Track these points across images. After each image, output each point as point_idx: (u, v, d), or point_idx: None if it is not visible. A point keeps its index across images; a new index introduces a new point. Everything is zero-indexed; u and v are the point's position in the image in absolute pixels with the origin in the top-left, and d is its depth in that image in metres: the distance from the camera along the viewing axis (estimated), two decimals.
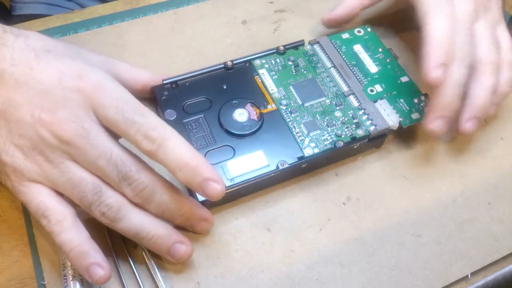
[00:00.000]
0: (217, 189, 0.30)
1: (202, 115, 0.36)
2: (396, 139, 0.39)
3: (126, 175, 0.30)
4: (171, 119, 0.36)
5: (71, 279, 0.30)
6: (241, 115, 0.36)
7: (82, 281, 0.30)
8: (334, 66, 0.40)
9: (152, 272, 0.32)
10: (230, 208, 0.35)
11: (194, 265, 0.32)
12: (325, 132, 0.36)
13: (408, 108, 0.38)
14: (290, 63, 0.40)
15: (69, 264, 0.30)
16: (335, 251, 0.33)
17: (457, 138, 0.39)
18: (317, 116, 0.37)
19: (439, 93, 0.35)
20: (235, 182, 0.33)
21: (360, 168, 0.37)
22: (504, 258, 0.34)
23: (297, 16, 0.46)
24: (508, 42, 0.38)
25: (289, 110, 0.37)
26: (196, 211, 0.32)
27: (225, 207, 0.35)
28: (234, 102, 0.37)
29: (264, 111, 0.37)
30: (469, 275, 0.33)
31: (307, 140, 0.36)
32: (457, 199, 0.36)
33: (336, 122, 0.37)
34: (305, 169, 0.36)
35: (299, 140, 0.35)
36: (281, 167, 0.34)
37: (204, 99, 0.37)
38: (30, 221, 0.33)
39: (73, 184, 0.30)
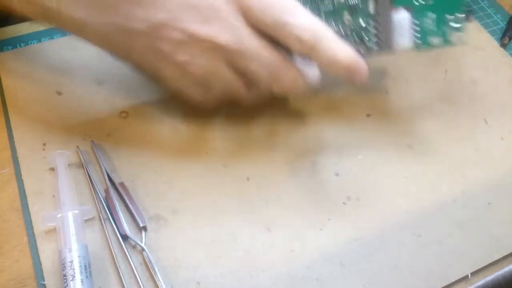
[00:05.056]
0: (365, 76, 0.32)
1: None
2: (396, 138, 0.39)
3: (277, 75, 0.32)
4: None
5: (71, 279, 0.30)
6: None
7: (83, 281, 0.30)
8: None
9: (152, 272, 0.32)
10: (230, 207, 0.35)
11: (194, 265, 0.32)
12: None
13: (434, 28, 0.31)
14: None
15: (69, 264, 0.30)
16: (335, 251, 0.33)
17: (458, 138, 0.39)
18: (323, 14, 0.33)
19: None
20: None
21: (360, 168, 0.37)
22: (504, 258, 0.34)
23: None
24: None
25: None
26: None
27: (225, 206, 0.35)
28: None
29: None
30: (469, 275, 0.33)
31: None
32: (457, 199, 0.36)
33: (340, 28, 0.33)
34: None
35: None
36: None
37: None
38: (30, 221, 0.33)
39: (225, 84, 0.34)
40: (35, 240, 0.33)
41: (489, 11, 0.48)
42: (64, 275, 0.30)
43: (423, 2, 0.31)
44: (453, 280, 0.33)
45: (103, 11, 0.30)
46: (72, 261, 0.30)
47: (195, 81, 0.33)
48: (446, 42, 0.32)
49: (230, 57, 0.31)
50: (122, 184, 0.35)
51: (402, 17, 0.32)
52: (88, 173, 0.35)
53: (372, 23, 0.32)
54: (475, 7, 0.48)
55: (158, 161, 0.36)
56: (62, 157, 0.35)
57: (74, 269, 0.30)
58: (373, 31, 0.33)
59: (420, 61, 0.40)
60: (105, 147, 0.37)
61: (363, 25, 0.33)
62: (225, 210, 0.35)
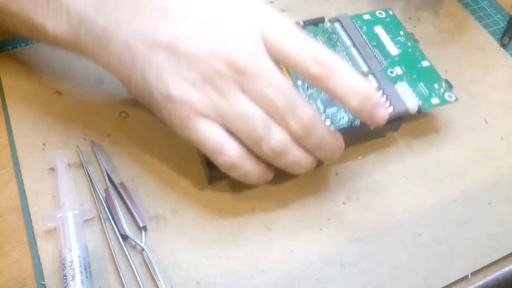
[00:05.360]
0: (384, 114, 0.31)
1: None
2: (397, 138, 0.39)
3: (293, 105, 0.30)
4: None
5: (71, 279, 0.30)
6: None
7: (83, 281, 0.30)
8: (354, 45, 0.39)
9: (152, 272, 0.32)
10: (230, 207, 0.35)
11: (194, 265, 0.32)
12: (342, 110, 0.36)
13: (428, 92, 0.37)
14: None
15: (69, 264, 0.30)
16: (335, 251, 0.33)
17: (458, 139, 0.39)
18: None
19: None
20: None
21: (360, 168, 0.37)
22: (504, 258, 0.34)
23: (297, 16, 0.46)
24: None
25: (306, 85, 0.37)
26: (341, 145, 0.33)
27: (225, 205, 0.35)
28: None
29: None
30: (469, 275, 0.33)
31: (322, 116, 0.35)
32: (457, 199, 0.36)
33: None
34: None
35: None
36: None
37: None
38: (30, 221, 0.33)
39: (243, 117, 0.30)
40: (35, 240, 0.33)
41: (489, 11, 0.48)
42: (64, 275, 0.30)
43: (411, 77, 0.38)
44: (453, 280, 0.33)
45: (135, 21, 0.31)
46: (72, 261, 0.30)
47: (205, 107, 0.30)
48: (444, 101, 0.38)
49: (247, 81, 0.30)
50: (122, 184, 0.35)
51: (402, 88, 0.37)
52: (88, 173, 0.35)
53: (378, 93, 0.37)
54: (475, 7, 0.48)
55: (158, 161, 0.36)
56: (62, 157, 0.35)
57: (74, 269, 0.30)
58: (383, 98, 0.36)
59: None
60: (105, 147, 0.37)
61: (374, 86, 0.37)
62: (225, 210, 0.35)
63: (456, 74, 0.43)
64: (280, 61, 0.31)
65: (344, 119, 0.36)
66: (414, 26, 0.46)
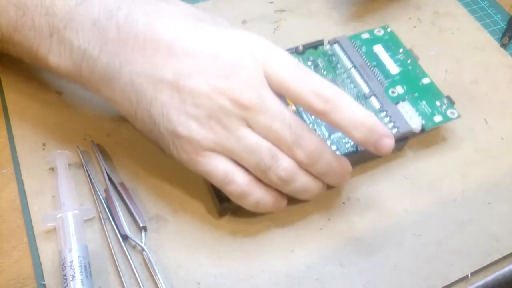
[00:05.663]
0: (390, 143, 0.31)
1: None
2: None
3: (299, 136, 0.31)
4: None
5: (71, 279, 0.30)
6: None
7: (83, 281, 0.30)
8: (355, 67, 0.39)
9: (152, 272, 0.32)
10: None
11: (194, 265, 0.32)
12: None
13: (430, 111, 0.37)
14: (309, 63, 0.39)
15: (69, 264, 0.30)
16: (335, 251, 0.33)
17: (458, 138, 0.39)
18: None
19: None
20: None
21: (360, 168, 0.37)
22: (505, 258, 0.34)
23: (297, 16, 0.46)
24: None
25: None
26: (349, 169, 0.33)
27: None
28: None
29: None
30: (469, 275, 0.33)
31: (328, 142, 0.36)
32: (457, 199, 0.36)
33: None
34: None
35: None
36: None
37: None
38: (30, 221, 0.33)
39: (250, 150, 0.30)
40: (35, 240, 0.33)
41: (489, 11, 0.48)
42: (64, 275, 0.30)
43: (412, 95, 0.38)
44: (453, 280, 0.33)
45: (139, 59, 0.31)
46: (72, 261, 0.30)
47: (211, 143, 0.30)
48: (446, 118, 0.38)
49: (252, 116, 0.30)
50: (122, 184, 0.35)
51: (404, 108, 0.38)
52: (88, 173, 0.35)
53: (381, 114, 0.37)
54: (475, 7, 0.48)
55: (158, 161, 0.36)
56: (62, 157, 0.35)
57: (74, 269, 0.30)
58: (386, 119, 0.37)
59: (420, 62, 0.40)
60: (105, 147, 0.37)
61: (377, 108, 0.38)
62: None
63: (456, 74, 0.43)
64: (283, 95, 0.32)
65: (349, 143, 0.36)
66: (414, 26, 0.46)
